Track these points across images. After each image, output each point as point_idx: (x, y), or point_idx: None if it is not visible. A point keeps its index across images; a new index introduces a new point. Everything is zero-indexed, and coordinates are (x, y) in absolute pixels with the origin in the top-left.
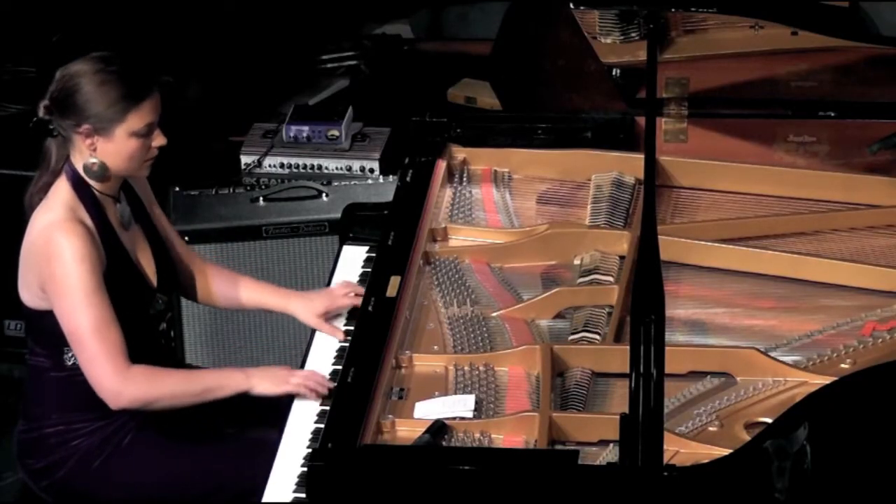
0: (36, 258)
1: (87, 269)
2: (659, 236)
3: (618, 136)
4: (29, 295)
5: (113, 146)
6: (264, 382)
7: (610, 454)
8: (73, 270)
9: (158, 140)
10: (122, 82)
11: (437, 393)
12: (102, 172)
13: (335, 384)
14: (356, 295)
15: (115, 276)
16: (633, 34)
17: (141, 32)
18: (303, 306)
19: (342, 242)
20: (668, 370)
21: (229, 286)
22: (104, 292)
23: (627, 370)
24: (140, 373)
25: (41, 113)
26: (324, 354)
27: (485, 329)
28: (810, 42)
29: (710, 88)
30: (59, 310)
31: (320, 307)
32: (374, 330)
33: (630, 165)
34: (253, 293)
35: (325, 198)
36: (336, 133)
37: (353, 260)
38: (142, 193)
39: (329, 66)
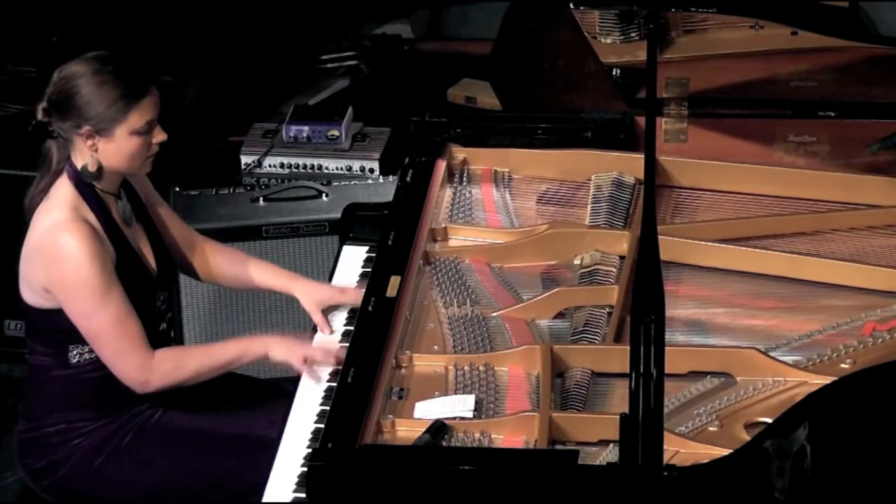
0: (41, 259)
1: (97, 267)
2: (659, 236)
3: (618, 136)
4: (31, 294)
5: (114, 145)
6: (280, 349)
7: (610, 454)
8: (84, 271)
9: (159, 136)
10: (121, 81)
11: (437, 393)
12: (98, 174)
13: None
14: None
15: (123, 270)
16: (633, 34)
17: (141, 32)
18: (307, 290)
19: (342, 242)
20: (668, 370)
21: (234, 264)
22: (118, 286)
23: (627, 370)
24: (164, 359)
25: (40, 115)
26: None
27: (485, 329)
28: (810, 42)
29: (710, 88)
30: (74, 311)
31: (324, 295)
32: (374, 330)
33: (630, 165)
34: (261, 273)
35: (325, 198)
36: (336, 133)
37: (353, 260)
38: (141, 189)
39: (329, 66)
